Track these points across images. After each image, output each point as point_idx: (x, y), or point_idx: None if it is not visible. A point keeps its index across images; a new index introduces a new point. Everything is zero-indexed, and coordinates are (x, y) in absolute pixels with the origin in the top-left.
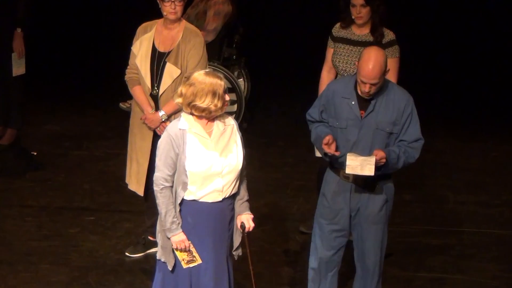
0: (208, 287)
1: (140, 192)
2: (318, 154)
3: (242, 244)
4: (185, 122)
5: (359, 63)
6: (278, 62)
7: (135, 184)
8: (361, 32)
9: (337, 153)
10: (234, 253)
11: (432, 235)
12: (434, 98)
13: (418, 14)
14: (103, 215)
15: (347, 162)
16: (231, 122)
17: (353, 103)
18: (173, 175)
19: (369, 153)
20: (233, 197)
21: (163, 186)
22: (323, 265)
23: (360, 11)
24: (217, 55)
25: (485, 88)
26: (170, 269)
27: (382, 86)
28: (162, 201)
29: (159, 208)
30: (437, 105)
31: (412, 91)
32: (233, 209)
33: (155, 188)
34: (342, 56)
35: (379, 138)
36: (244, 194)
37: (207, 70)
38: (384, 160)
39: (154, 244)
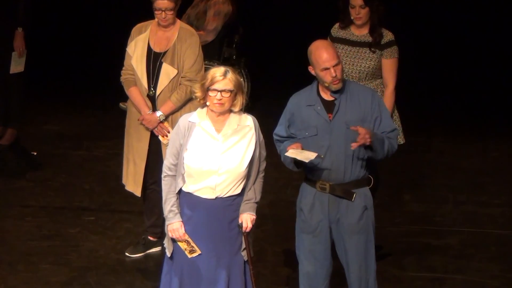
0: (196, 279)
1: (138, 193)
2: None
3: (252, 244)
4: (196, 116)
5: (314, 58)
6: (278, 62)
7: (132, 185)
8: (360, 32)
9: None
10: (242, 253)
11: (432, 235)
12: (434, 98)
13: (417, 14)
14: (103, 215)
15: (290, 150)
16: (249, 123)
17: (319, 108)
18: (176, 165)
19: (344, 156)
20: (235, 198)
21: (165, 174)
22: (311, 279)
23: (359, 11)
24: (217, 55)
25: (485, 88)
26: (169, 255)
27: (343, 81)
28: (164, 188)
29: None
30: (437, 105)
31: (411, 92)
32: (236, 210)
33: (162, 175)
34: (341, 56)
35: (352, 138)
36: (252, 196)
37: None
38: (368, 137)
39: (154, 244)
